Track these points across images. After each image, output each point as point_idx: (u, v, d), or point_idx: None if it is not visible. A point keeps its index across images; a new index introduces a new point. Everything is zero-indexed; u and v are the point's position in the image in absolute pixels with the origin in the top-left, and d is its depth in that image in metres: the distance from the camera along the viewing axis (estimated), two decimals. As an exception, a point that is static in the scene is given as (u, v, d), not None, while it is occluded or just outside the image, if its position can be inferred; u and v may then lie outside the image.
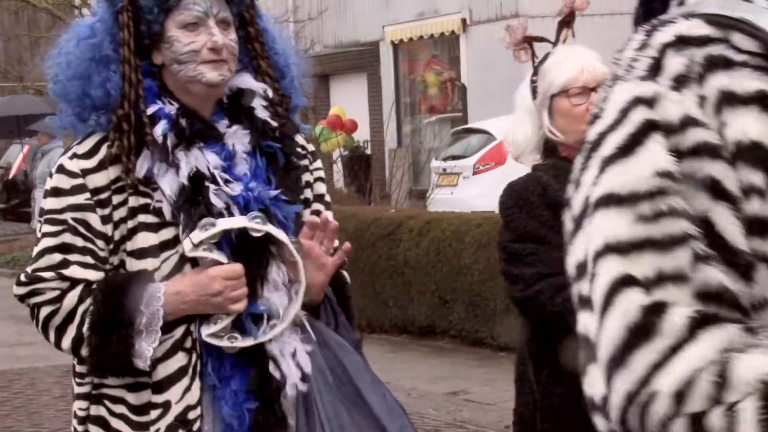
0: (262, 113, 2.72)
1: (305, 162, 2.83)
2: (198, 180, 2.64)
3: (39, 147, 15.09)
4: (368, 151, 20.26)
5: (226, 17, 2.68)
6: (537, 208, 3.18)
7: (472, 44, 19.71)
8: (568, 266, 1.38)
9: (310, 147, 2.88)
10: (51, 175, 2.72)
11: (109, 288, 2.60)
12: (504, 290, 9.13)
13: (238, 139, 2.69)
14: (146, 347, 2.58)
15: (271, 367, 2.65)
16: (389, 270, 10.07)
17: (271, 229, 2.63)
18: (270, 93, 2.74)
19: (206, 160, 2.65)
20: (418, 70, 21.20)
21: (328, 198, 2.93)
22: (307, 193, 2.83)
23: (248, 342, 2.64)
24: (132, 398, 2.65)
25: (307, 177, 2.83)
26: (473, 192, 14.67)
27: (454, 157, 15.56)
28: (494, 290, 9.16)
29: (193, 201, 2.63)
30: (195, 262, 2.64)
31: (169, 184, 2.63)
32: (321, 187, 2.89)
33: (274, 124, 2.73)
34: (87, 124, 2.69)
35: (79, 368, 2.71)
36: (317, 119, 19.58)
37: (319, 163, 2.90)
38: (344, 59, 21.74)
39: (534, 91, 3.34)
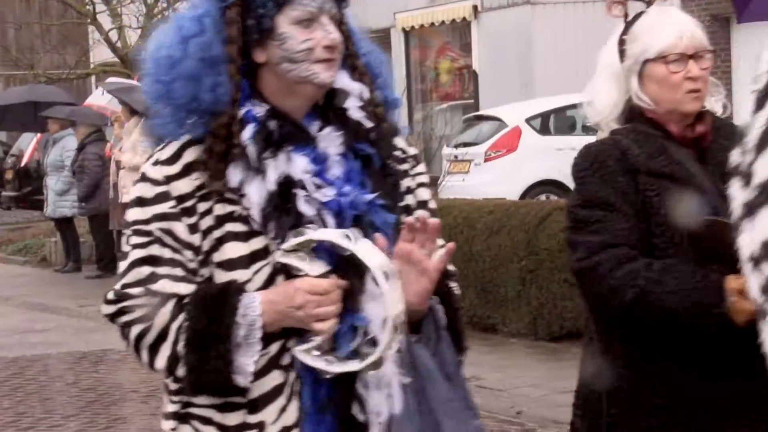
0: (356, 114, 2.53)
1: (405, 166, 2.61)
2: (287, 186, 2.45)
3: (50, 135, 15.08)
4: (379, 139, 20.22)
5: (336, 14, 2.51)
6: (612, 173, 2.94)
7: (484, 31, 19.69)
8: (752, 242, 1.24)
9: (413, 150, 2.65)
10: (135, 184, 2.57)
11: (201, 301, 2.41)
12: (515, 277, 9.15)
13: (330, 141, 2.50)
14: (246, 362, 2.39)
15: (355, 410, 2.45)
16: (401, 257, 10.06)
17: (359, 249, 2.39)
18: (366, 94, 2.55)
19: (296, 164, 2.46)
20: (429, 57, 21.18)
21: (433, 205, 2.67)
22: (409, 200, 2.61)
23: (340, 368, 2.41)
24: (221, 419, 2.46)
25: (408, 182, 2.61)
26: (485, 179, 14.67)
27: (466, 144, 15.55)
28: (505, 277, 9.16)
29: (282, 209, 2.44)
30: (288, 275, 2.44)
31: (257, 190, 2.44)
32: (424, 193, 2.65)
33: (369, 125, 2.53)
34: (183, 128, 2.49)
35: (172, 386, 2.51)
36: (328, 106, 19.55)
37: (422, 168, 2.67)
38: (355, 46, 21.70)
39: (622, 54, 3.07)
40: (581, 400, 3.09)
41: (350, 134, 2.51)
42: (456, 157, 15.43)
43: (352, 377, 2.43)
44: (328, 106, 2.53)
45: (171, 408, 2.52)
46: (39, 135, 16.31)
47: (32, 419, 7.60)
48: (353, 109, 2.53)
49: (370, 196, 2.49)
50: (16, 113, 16.57)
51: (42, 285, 14.07)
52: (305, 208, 2.45)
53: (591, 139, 3.50)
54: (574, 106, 14.76)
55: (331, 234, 2.42)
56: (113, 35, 19.28)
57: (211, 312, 2.39)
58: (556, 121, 15.42)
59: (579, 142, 11.69)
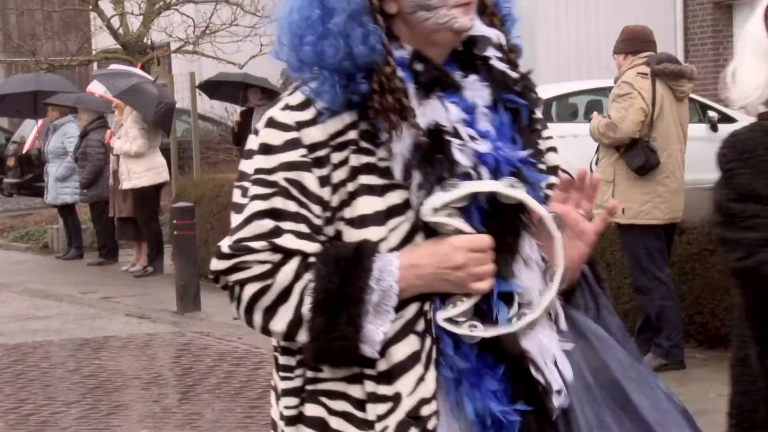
0: (498, 63, 2.31)
1: (538, 126, 2.37)
2: (437, 134, 2.21)
3: (50, 122, 15.07)
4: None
5: None
6: (764, 162, 2.66)
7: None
8: None
9: (538, 112, 2.39)
10: (255, 132, 2.27)
11: (333, 260, 2.16)
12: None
13: (477, 90, 2.27)
14: (376, 330, 2.15)
15: (533, 370, 2.21)
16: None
17: (527, 197, 2.20)
18: (503, 40, 2.34)
19: (447, 111, 2.23)
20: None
21: (566, 169, 2.42)
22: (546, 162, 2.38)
23: (492, 332, 2.19)
24: (355, 391, 2.21)
25: (541, 144, 2.38)
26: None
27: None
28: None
29: (432, 158, 2.20)
30: (428, 233, 2.20)
31: (401, 138, 2.20)
32: (555, 158, 2.41)
33: (515, 75, 2.31)
34: (345, 93, 2.23)
35: (284, 360, 2.28)
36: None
37: (550, 132, 2.43)
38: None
39: None
40: (736, 409, 2.84)
41: (497, 84, 2.29)
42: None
43: (496, 345, 2.20)
44: (467, 55, 2.30)
45: (289, 385, 2.27)
46: (40, 122, 16.28)
47: (34, 406, 7.61)
48: (494, 58, 2.31)
49: (523, 153, 2.27)
50: (14, 99, 16.55)
51: (44, 272, 14.08)
52: (460, 157, 2.21)
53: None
54: (576, 94, 14.75)
55: (494, 184, 2.20)
56: (115, 22, 19.25)
57: (345, 273, 2.15)
58: (559, 108, 15.39)
59: (581, 129, 11.67)
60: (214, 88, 16.28)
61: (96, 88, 14.50)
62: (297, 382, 2.26)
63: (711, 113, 14.13)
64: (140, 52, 18.80)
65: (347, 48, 2.20)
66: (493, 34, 2.33)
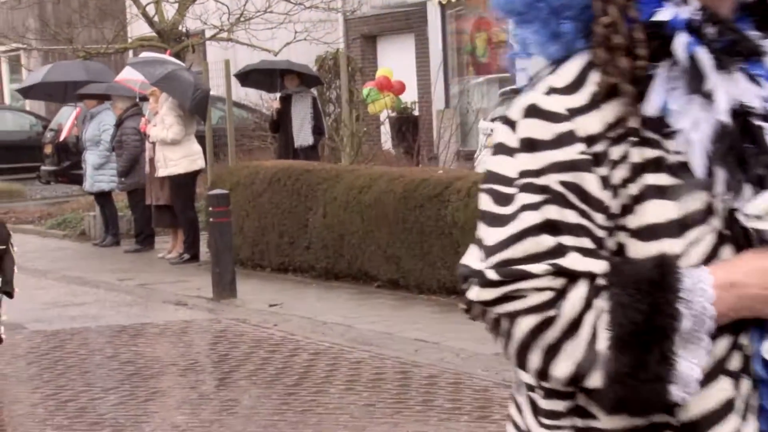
0: None
1: None
2: (744, 118, 1.78)
3: (87, 110, 15.15)
4: (416, 112, 20.21)
5: None
6: None
7: (521, 4, 19.54)
8: None
9: None
10: (509, 123, 1.82)
11: (633, 283, 1.72)
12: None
13: None
14: (691, 366, 1.72)
15: None
16: (437, 231, 10.07)
17: None
18: None
19: (753, 87, 1.78)
20: (465, 30, 21.08)
21: None
22: None
23: None
24: None
25: None
26: (521, 153, 14.61)
27: (503, 118, 15.49)
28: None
29: (741, 150, 1.76)
30: (740, 245, 1.77)
31: (698, 124, 1.76)
32: None
33: None
34: (560, 41, 1.83)
35: (548, 404, 1.84)
36: (365, 80, 19.55)
37: None
38: (392, 20, 21.66)
39: None
40: None
41: None
42: (492, 131, 15.38)
43: None
44: (764, 10, 1.86)
45: None
46: (77, 110, 16.36)
47: (72, 392, 7.67)
48: None
49: None
50: (46, 85, 16.66)
51: (81, 259, 14.17)
52: None
53: None
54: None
55: None
56: (150, 9, 19.31)
57: (649, 298, 1.72)
58: None
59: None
60: (246, 75, 16.29)
61: (127, 75, 14.57)
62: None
63: None
64: (175, 40, 18.86)
65: None
66: None
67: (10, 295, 7.98)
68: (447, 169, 12.36)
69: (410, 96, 19.90)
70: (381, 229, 10.65)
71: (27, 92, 18.03)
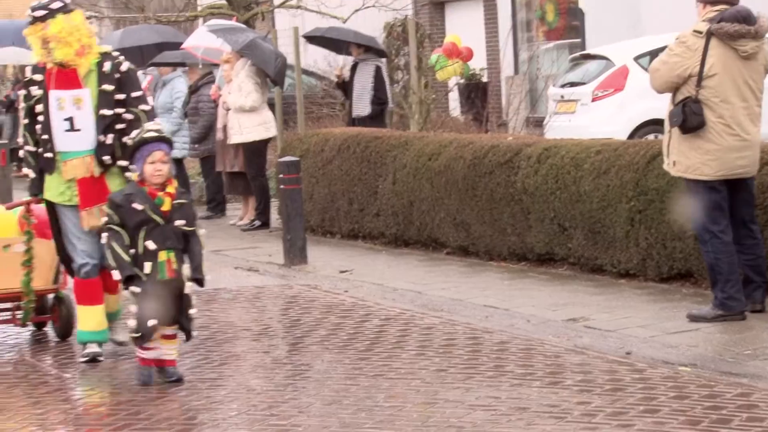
0: None
1: None
2: None
3: (160, 77, 15.27)
4: (485, 79, 20.13)
5: None
6: None
7: (591, -32, 19.36)
8: None
9: None
10: None
11: None
12: (623, 217, 9.10)
13: None
14: None
15: None
16: (507, 197, 10.07)
17: None
18: None
19: None
20: (535, -5, 20.93)
21: None
22: None
23: None
24: None
25: None
26: (592, 119, 14.53)
27: (572, 84, 15.40)
28: (614, 217, 9.11)
29: None
30: None
31: None
32: None
33: None
34: None
35: None
36: (433, 47, 19.50)
37: None
38: (460, -14, 21.56)
39: None
40: None
41: None
42: (562, 97, 15.29)
43: None
44: None
45: None
46: (149, 77, 16.50)
47: (148, 356, 7.77)
48: None
49: None
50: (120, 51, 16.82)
51: (154, 225, 14.32)
52: None
53: None
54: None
55: None
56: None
57: None
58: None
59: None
60: (314, 37, 16.28)
61: (193, 42, 14.68)
62: None
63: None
64: (245, 8, 18.94)
65: None
66: None
67: (200, 282, 7.20)
68: (516, 135, 12.34)
69: (479, 62, 19.82)
70: (450, 195, 10.67)
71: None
